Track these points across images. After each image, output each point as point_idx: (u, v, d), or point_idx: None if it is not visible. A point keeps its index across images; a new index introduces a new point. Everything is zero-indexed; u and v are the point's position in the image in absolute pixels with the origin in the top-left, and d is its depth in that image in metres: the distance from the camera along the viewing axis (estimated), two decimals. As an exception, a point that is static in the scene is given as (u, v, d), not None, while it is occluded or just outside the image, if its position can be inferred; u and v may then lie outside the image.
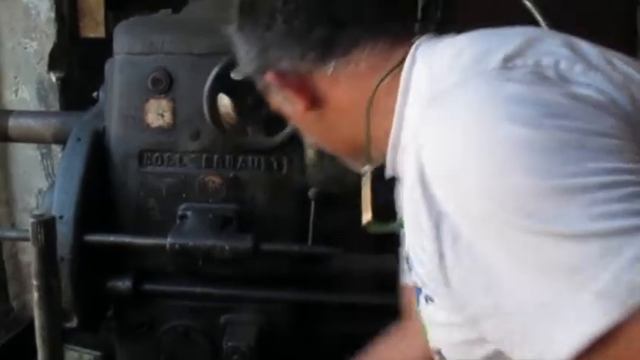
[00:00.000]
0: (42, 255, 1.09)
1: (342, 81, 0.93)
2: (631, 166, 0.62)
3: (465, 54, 0.80)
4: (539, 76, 0.71)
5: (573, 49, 0.79)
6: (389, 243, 1.93)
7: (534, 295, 0.60)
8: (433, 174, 0.70)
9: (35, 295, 1.10)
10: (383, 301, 1.82)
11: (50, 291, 1.10)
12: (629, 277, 0.55)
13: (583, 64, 0.75)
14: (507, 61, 0.73)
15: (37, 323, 1.12)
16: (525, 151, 0.62)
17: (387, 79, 0.89)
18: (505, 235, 0.63)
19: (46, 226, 1.10)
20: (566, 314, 0.58)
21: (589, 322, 0.56)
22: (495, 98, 0.68)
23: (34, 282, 1.10)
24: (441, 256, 0.70)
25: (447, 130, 0.70)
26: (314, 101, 0.96)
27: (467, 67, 0.78)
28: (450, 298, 0.73)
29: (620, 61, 0.81)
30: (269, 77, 0.97)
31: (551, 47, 0.78)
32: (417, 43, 0.90)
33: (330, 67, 0.92)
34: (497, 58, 0.75)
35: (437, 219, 0.70)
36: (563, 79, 0.71)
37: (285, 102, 1.02)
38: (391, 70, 0.89)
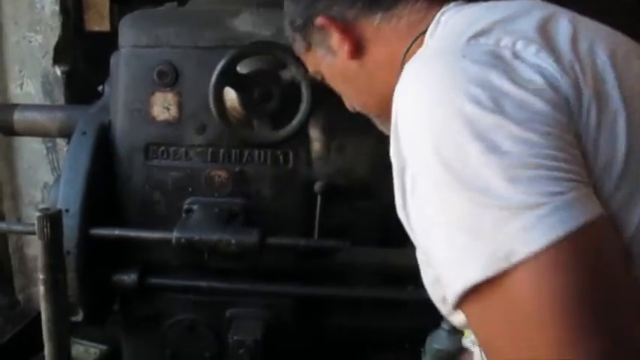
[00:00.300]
0: (48, 249, 1.09)
1: (385, 34, 0.99)
2: (553, 153, 0.70)
3: (457, 24, 0.88)
4: (494, 55, 0.77)
5: (541, 29, 0.83)
6: (394, 236, 1.94)
7: (446, 245, 0.72)
8: (400, 127, 0.79)
9: (42, 288, 1.09)
10: (390, 295, 1.83)
11: (57, 285, 1.09)
12: (509, 245, 0.67)
13: (539, 45, 0.79)
14: (473, 38, 0.80)
15: (43, 317, 1.12)
16: (471, 126, 0.71)
17: (418, 40, 0.95)
18: (440, 190, 0.73)
19: (52, 220, 1.10)
20: (464, 265, 0.70)
21: (473, 272, 0.69)
22: (454, 73, 0.76)
23: (41, 276, 1.09)
24: (404, 200, 0.80)
25: (414, 92, 0.79)
26: (358, 49, 1.01)
27: (446, 38, 0.87)
28: (414, 238, 0.82)
29: (592, 44, 0.83)
30: (319, 21, 1.03)
31: (520, 25, 0.83)
32: (444, 8, 0.96)
33: (376, 18, 0.99)
34: (468, 34, 0.82)
35: (402, 166, 0.79)
36: (516, 58, 0.77)
37: (327, 54, 1.07)
38: (422, 33, 0.95)
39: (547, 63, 0.77)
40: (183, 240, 1.62)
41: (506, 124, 0.71)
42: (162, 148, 1.73)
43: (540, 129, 0.72)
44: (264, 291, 1.79)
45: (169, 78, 1.70)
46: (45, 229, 1.10)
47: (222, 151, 1.72)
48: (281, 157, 1.72)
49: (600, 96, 0.78)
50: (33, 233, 1.69)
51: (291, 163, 1.72)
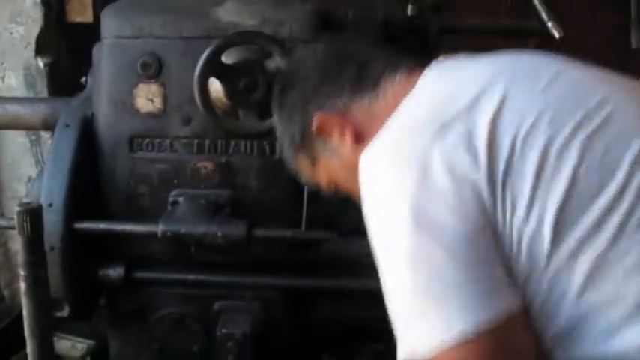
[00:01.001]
0: (29, 245, 1.06)
1: (377, 112, 1.06)
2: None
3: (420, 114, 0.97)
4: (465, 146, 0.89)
5: (505, 98, 0.91)
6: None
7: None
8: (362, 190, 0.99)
9: (23, 285, 1.07)
10: (378, 285, 1.82)
11: (38, 281, 1.07)
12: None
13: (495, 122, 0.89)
14: (442, 129, 0.90)
15: (25, 313, 1.10)
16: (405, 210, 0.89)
17: None
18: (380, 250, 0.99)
19: (33, 215, 1.08)
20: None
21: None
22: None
23: (21, 272, 1.07)
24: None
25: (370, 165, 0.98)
26: (358, 135, 1.08)
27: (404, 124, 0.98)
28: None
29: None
30: (317, 121, 1.11)
31: (487, 105, 0.90)
32: (424, 73, 1.03)
33: (365, 100, 1.07)
34: (437, 123, 0.91)
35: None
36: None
37: (333, 156, 1.15)
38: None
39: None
40: (169, 233, 1.60)
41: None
42: (146, 140, 1.71)
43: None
44: (252, 283, 1.78)
45: (153, 69, 1.68)
46: (25, 225, 1.07)
47: (207, 142, 1.70)
48: (267, 148, 1.70)
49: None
50: (14, 228, 1.68)
51: (278, 154, 1.70)
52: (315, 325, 1.91)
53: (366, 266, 1.82)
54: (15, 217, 1.11)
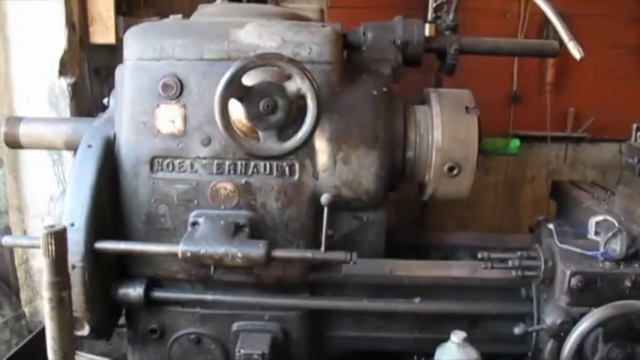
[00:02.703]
0: (53, 266, 1.07)
1: None
2: None
3: None
4: None
5: None
6: (400, 248, 1.93)
7: None
8: None
9: (46, 307, 1.08)
10: (396, 307, 1.81)
11: (62, 302, 1.08)
12: None
13: None
14: None
15: (48, 334, 1.10)
16: None
17: None
18: None
19: (57, 237, 1.08)
20: None
21: None
22: None
23: (45, 294, 1.07)
24: None
25: None
26: None
27: None
28: None
29: None
30: None
31: None
32: None
33: None
34: None
35: None
36: None
37: None
38: None
39: None
40: (189, 253, 1.61)
41: None
42: (167, 160, 1.73)
43: None
44: (271, 304, 1.78)
45: (174, 90, 1.70)
46: (50, 247, 1.08)
47: (227, 163, 1.71)
48: (287, 169, 1.71)
49: None
50: (39, 247, 1.69)
51: (297, 175, 1.71)
52: (332, 345, 1.90)
53: (384, 288, 1.83)
54: (40, 238, 1.12)
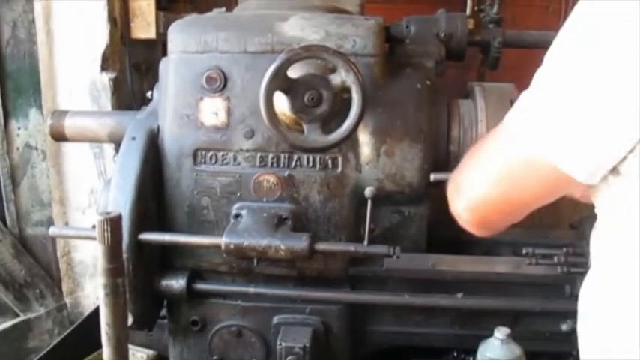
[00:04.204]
0: (108, 253, 1.08)
1: None
2: None
3: None
4: None
5: None
6: (442, 243, 1.91)
7: None
8: None
9: (101, 293, 1.09)
10: (438, 302, 1.80)
11: (117, 289, 1.09)
12: None
13: None
14: None
15: (102, 321, 1.12)
16: None
17: None
18: None
19: (113, 223, 1.10)
20: None
21: None
22: None
23: (100, 280, 1.09)
24: None
25: None
26: None
27: None
28: None
29: None
30: None
31: None
32: None
33: None
34: None
35: None
36: None
37: None
38: None
39: None
40: (232, 245, 1.61)
41: None
42: (210, 153, 1.74)
43: None
44: (313, 297, 1.78)
45: (218, 83, 1.70)
46: (105, 234, 1.09)
47: (270, 155, 1.71)
48: (330, 162, 1.70)
49: None
50: (82, 237, 1.72)
51: (340, 168, 1.71)
52: (373, 339, 1.89)
53: (425, 282, 1.81)
54: (93, 225, 1.14)
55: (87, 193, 2.51)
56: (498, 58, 1.88)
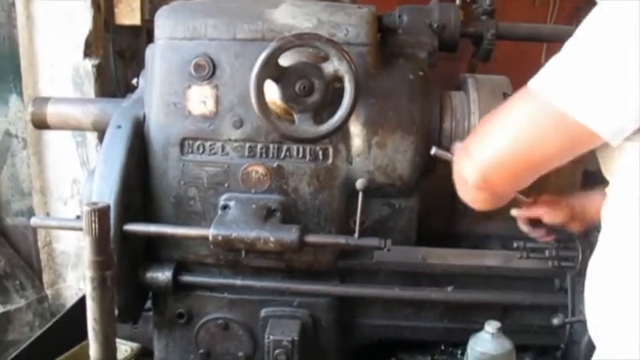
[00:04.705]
0: (96, 245, 1.04)
1: None
2: None
3: None
4: None
5: None
6: (431, 237, 1.89)
7: None
8: None
9: (88, 287, 1.05)
10: (427, 295, 1.78)
11: (104, 282, 1.05)
12: None
13: None
14: None
15: (89, 316, 1.08)
16: None
17: None
18: None
19: (101, 214, 1.06)
20: None
21: None
22: None
23: (87, 273, 1.05)
24: None
25: None
26: None
27: None
28: None
29: None
30: None
31: None
32: None
33: None
34: None
35: None
36: None
37: None
38: None
39: None
40: (220, 237, 1.58)
41: None
42: (198, 142, 1.70)
43: None
44: (301, 290, 1.75)
45: (206, 71, 1.66)
46: (93, 225, 1.05)
47: (259, 146, 1.68)
48: (320, 153, 1.67)
49: None
50: (66, 228, 1.67)
51: (331, 159, 1.68)
52: (361, 332, 1.87)
53: (415, 276, 1.80)
54: (82, 216, 1.09)
55: (69, 182, 2.45)
56: (491, 50, 1.86)
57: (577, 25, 1.52)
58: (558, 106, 0.97)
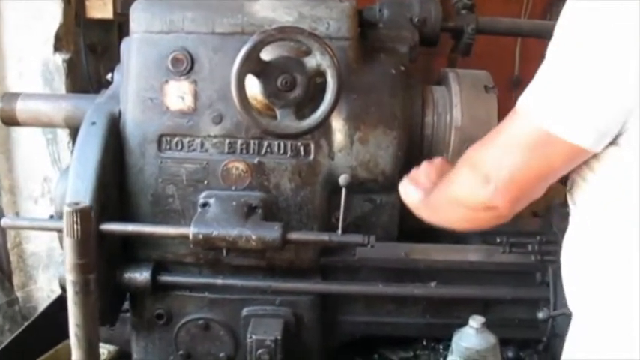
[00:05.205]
0: (78, 247, 1.00)
1: None
2: None
3: None
4: None
5: None
6: (414, 232, 1.89)
7: None
8: None
9: (70, 290, 1.00)
10: (410, 291, 1.77)
11: (87, 286, 1.01)
12: None
13: None
14: None
15: (71, 321, 1.03)
16: None
17: None
18: None
19: (84, 215, 1.01)
20: None
21: None
22: None
23: (69, 277, 1.00)
24: None
25: None
26: None
27: None
28: None
29: None
30: None
31: None
32: None
33: None
34: None
35: None
36: None
37: None
38: None
39: None
40: (200, 236, 1.54)
41: None
42: (176, 139, 1.65)
43: None
44: (283, 288, 1.73)
45: (184, 65, 1.62)
46: (75, 226, 1.01)
47: (239, 142, 1.64)
48: (302, 149, 1.65)
49: None
50: (37, 229, 1.62)
51: (312, 155, 1.65)
52: (345, 329, 1.86)
53: (398, 271, 1.79)
54: (64, 217, 1.04)
55: (39, 181, 2.38)
56: (471, 45, 1.85)
57: (553, 19, 1.53)
58: (542, 126, 0.99)
